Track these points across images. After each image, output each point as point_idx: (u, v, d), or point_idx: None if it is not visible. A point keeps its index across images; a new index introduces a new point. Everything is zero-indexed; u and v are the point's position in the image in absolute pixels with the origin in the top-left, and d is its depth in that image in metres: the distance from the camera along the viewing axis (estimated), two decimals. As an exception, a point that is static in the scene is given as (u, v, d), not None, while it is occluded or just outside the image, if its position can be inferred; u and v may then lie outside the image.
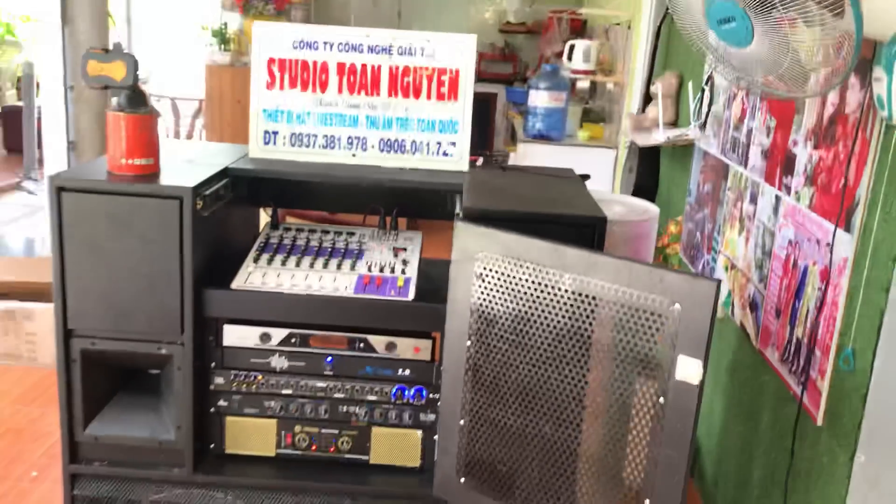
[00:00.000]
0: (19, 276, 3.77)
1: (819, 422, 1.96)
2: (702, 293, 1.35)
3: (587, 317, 1.49)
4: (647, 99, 3.90)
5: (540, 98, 4.79)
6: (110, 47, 1.66)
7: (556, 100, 4.83)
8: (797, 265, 2.15)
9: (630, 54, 4.80)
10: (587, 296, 1.48)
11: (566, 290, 1.50)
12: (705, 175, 3.07)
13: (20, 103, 7.78)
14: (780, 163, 2.31)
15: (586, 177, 2.33)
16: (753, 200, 2.51)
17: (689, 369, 1.38)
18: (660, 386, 1.42)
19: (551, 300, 1.53)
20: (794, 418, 2.08)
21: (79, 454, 1.80)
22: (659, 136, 3.30)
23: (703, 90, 2.98)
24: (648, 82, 3.91)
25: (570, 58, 5.36)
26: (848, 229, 1.88)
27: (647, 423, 1.45)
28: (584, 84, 6.20)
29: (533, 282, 1.54)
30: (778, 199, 2.30)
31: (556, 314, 1.52)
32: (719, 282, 1.38)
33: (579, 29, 7.36)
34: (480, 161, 2.08)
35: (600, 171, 4.79)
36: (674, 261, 3.34)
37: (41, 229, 5.75)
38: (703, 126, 3.00)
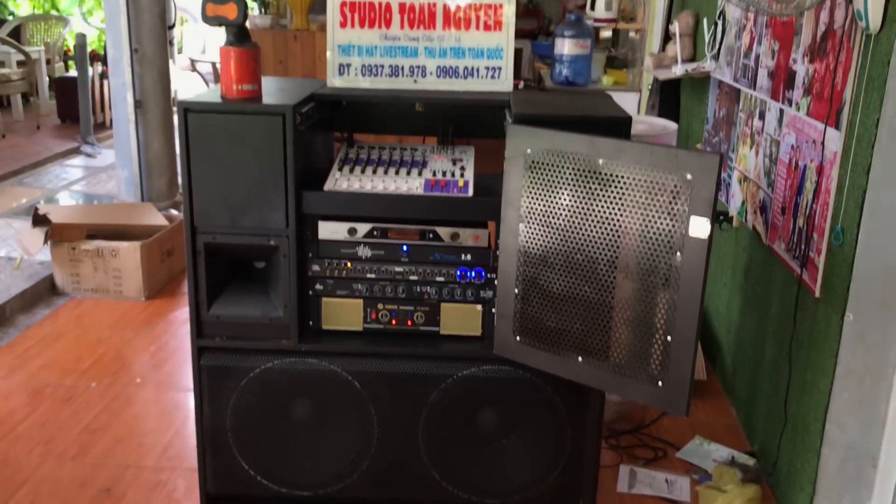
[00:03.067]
0: (104, 219, 4.18)
1: (817, 293, 2.31)
2: (708, 164, 1.70)
3: (618, 193, 1.85)
4: (667, 38, 4.21)
5: (566, 46, 5.06)
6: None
7: (581, 46, 5.11)
8: (798, 166, 2.49)
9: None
10: (617, 176, 1.84)
11: (600, 173, 1.87)
12: (720, 102, 3.40)
13: (69, 74, 8.21)
14: (783, 80, 2.63)
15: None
16: (762, 117, 2.85)
17: (699, 227, 1.74)
18: (676, 243, 1.79)
19: (588, 183, 1.89)
20: (796, 296, 2.44)
21: (203, 330, 2.20)
22: (678, 70, 3.61)
23: (716, 23, 3.29)
24: (667, 22, 4.21)
25: (592, 7, 5.64)
26: (837, 127, 2.21)
27: (667, 275, 1.82)
28: (606, 33, 6.47)
29: (573, 169, 1.90)
30: (782, 112, 2.64)
31: (593, 194, 1.89)
32: (721, 154, 1.73)
33: (601, -20, 7.57)
34: (522, 84, 2.44)
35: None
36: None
37: (101, 188, 6.20)
38: (716, 57, 3.32)
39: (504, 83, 2.31)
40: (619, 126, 2.00)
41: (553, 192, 1.94)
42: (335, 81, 2.32)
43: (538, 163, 1.96)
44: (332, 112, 2.39)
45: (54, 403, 3.10)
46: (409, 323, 2.23)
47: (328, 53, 2.32)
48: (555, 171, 1.93)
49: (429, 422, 2.22)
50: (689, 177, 1.73)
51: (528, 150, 1.96)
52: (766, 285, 2.78)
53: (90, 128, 7.08)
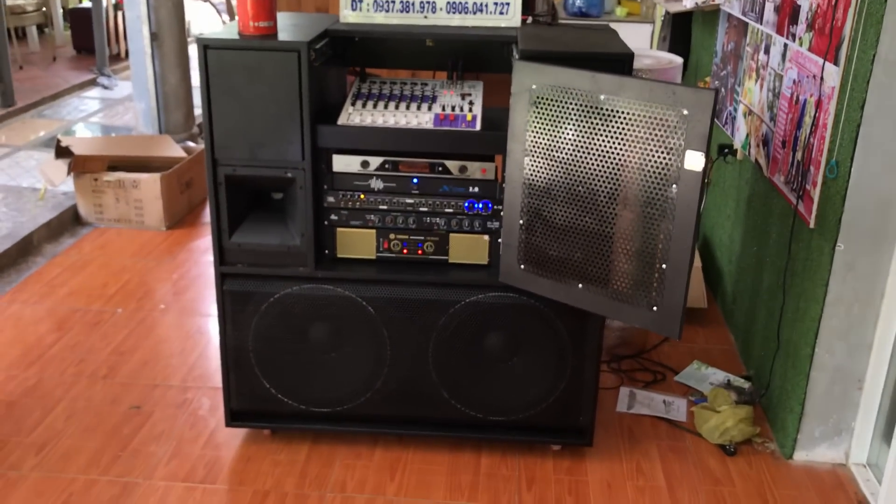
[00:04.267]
0: (124, 151, 4.29)
1: (811, 224, 2.40)
2: (704, 100, 1.78)
3: (618, 128, 1.94)
4: (679, -30, 4.19)
5: (579, -24, 5.06)
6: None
7: (595, -23, 5.09)
8: (799, 100, 2.55)
9: (664, -71, 5.03)
10: (618, 111, 1.93)
11: (602, 109, 1.95)
12: (729, 35, 3.43)
13: (84, 5, 8.21)
14: (788, 14, 2.67)
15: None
16: (767, 51, 2.89)
17: (694, 160, 1.83)
18: (672, 176, 1.88)
19: (590, 118, 1.97)
20: (792, 227, 2.53)
21: (225, 257, 2.33)
22: (688, 3, 3.63)
23: (726, -44, 3.30)
24: (680, -46, 4.18)
25: (607, -64, 5.57)
26: (836, 62, 2.27)
27: (663, 207, 1.91)
28: (621, -38, 6.39)
29: (576, 104, 1.99)
30: (786, 46, 2.68)
31: (594, 129, 1.97)
32: (717, 90, 1.81)
33: None
34: (530, 20, 2.49)
35: (638, 45, 5.11)
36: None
37: (118, 119, 6.29)
38: (726, -11, 3.34)
39: (512, 19, 2.37)
40: (621, 62, 2.07)
41: (557, 126, 2.03)
42: (348, 17, 2.39)
43: (543, 98, 2.04)
44: (345, 47, 2.46)
45: (83, 328, 3.26)
46: (420, 252, 2.34)
47: (341, -11, 2.38)
48: (559, 107, 2.02)
49: (438, 344, 2.36)
50: (685, 112, 1.82)
51: (534, 86, 2.04)
52: (765, 217, 2.87)
53: (105, 59, 7.13)
